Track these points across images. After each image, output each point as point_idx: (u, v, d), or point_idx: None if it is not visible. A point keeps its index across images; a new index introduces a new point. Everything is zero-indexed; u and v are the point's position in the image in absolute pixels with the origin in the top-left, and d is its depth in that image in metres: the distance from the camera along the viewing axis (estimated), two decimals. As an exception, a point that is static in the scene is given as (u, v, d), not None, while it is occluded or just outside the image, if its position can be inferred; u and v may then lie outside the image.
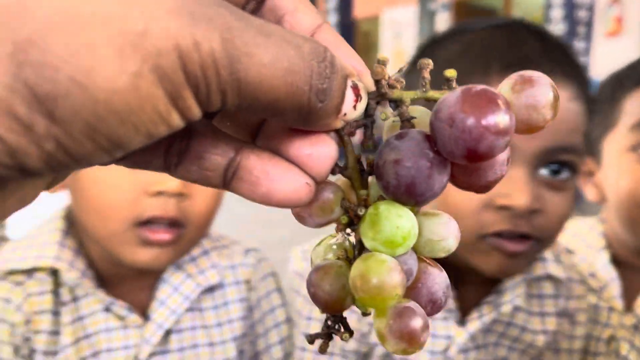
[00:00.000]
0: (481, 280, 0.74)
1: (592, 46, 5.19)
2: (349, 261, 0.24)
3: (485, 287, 0.77)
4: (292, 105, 0.20)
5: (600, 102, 0.90)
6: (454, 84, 0.23)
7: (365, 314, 0.24)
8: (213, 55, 0.18)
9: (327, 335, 0.24)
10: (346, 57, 0.23)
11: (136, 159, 0.22)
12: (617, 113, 0.88)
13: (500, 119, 0.21)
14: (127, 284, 0.73)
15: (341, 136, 0.23)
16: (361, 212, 0.24)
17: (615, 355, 0.86)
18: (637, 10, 5.20)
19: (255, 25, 0.19)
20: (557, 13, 5.16)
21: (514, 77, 0.23)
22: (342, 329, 0.25)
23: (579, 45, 5.06)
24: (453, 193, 0.68)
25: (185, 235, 0.68)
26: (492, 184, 0.24)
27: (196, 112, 0.19)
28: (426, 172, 0.22)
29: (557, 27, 5.04)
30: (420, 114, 0.24)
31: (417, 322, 0.23)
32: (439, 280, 0.25)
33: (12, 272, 0.69)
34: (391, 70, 0.24)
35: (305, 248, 0.84)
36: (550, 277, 0.80)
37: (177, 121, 0.19)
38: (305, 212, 0.24)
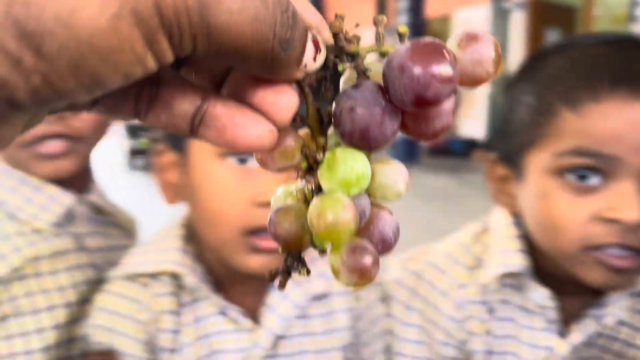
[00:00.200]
0: (584, 291, 0.74)
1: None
2: (308, 204, 0.26)
3: (588, 299, 0.76)
4: (257, 51, 0.22)
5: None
6: (405, 39, 0.25)
7: (322, 252, 0.26)
8: (186, 2, 0.20)
9: (286, 272, 0.27)
10: (306, 11, 0.25)
11: (109, 104, 0.25)
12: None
13: (446, 67, 0.23)
14: (239, 289, 0.77)
15: (302, 87, 0.26)
16: (320, 157, 0.26)
17: None
18: None
19: None
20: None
21: (459, 34, 0.25)
22: (300, 267, 0.27)
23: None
24: (559, 205, 0.69)
25: None
26: (440, 132, 0.26)
27: (169, 55, 0.21)
28: (379, 119, 0.25)
29: None
30: (375, 68, 0.26)
31: (368, 258, 0.25)
32: (389, 222, 0.27)
33: (139, 275, 0.75)
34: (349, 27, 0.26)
35: (403, 256, 0.87)
36: None
37: (151, 63, 0.21)
38: (267, 157, 0.26)
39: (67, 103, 0.21)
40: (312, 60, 0.24)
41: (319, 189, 0.26)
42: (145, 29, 0.20)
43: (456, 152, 8.29)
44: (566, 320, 0.77)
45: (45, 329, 0.75)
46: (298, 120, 0.26)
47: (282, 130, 0.25)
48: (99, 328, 0.74)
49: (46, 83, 0.20)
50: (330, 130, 0.27)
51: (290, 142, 0.26)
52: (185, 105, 0.25)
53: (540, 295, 0.76)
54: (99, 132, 0.79)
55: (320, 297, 0.79)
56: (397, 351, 0.82)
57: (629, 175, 0.67)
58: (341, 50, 0.26)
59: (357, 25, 0.26)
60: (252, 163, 0.69)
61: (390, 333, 0.83)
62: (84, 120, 0.76)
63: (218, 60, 0.25)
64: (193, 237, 0.77)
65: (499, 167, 0.79)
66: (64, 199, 0.79)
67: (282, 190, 0.28)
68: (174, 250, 0.75)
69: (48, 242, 0.77)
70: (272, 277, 0.27)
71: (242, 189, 0.70)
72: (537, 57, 0.79)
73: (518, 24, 7.97)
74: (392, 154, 7.38)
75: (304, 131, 0.27)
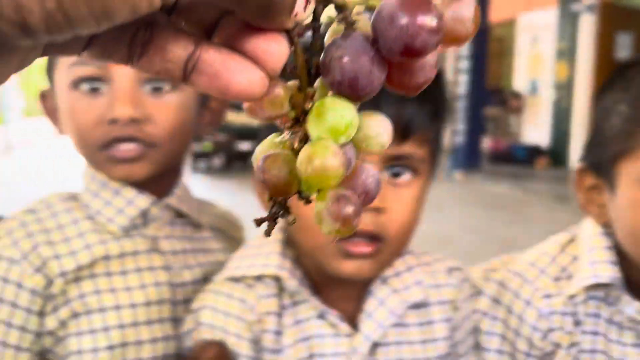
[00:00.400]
0: None
1: None
2: (295, 153, 0.27)
3: None
4: None
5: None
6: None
7: (308, 201, 0.27)
8: None
9: (272, 219, 0.27)
10: None
11: (102, 47, 0.26)
12: None
13: (433, 19, 0.24)
14: (335, 293, 0.79)
15: (291, 37, 0.26)
16: (308, 106, 0.27)
17: None
18: None
19: None
20: None
21: None
22: (285, 214, 0.28)
23: None
24: None
25: (384, 248, 0.73)
26: (422, 85, 0.27)
27: None
28: (367, 68, 0.25)
29: None
30: (362, 21, 0.27)
31: (351, 207, 0.26)
32: (372, 174, 0.28)
33: (244, 277, 0.78)
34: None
35: (486, 267, 0.87)
36: None
37: (157, 1, 0.22)
38: (257, 105, 0.27)
39: (71, 35, 0.22)
40: (302, 10, 0.25)
41: (306, 139, 0.27)
42: None
43: (519, 159, 8.12)
44: None
45: (111, 327, 0.77)
46: (288, 68, 0.27)
47: (271, 80, 0.26)
48: (208, 326, 0.76)
49: (60, 9, 0.20)
50: (317, 83, 0.28)
51: (279, 91, 0.27)
52: (178, 51, 0.25)
53: (633, 308, 0.73)
54: (174, 140, 0.81)
55: (418, 306, 0.79)
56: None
57: None
58: (329, 1, 0.26)
59: (345, -23, 0.27)
60: None
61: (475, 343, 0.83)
62: (158, 126, 0.79)
63: (218, 2, 0.25)
64: (291, 242, 0.79)
65: (588, 177, 0.78)
66: (140, 201, 0.81)
67: (267, 141, 0.29)
68: (275, 254, 0.77)
69: (118, 243, 0.80)
70: (258, 223, 0.27)
71: None
72: (630, 65, 0.78)
73: (587, 27, 7.72)
74: (453, 160, 7.29)
75: (291, 83, 0.28)
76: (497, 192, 6.48)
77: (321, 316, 0.76)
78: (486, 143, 8.24)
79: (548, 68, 8.53)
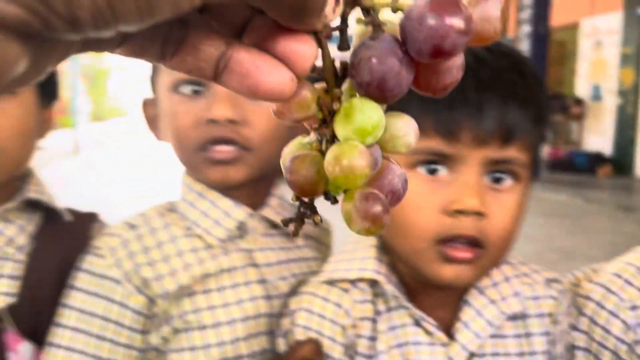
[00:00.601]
0: None
1: None
2: (323, 154, 0.27)
3: None
4: None
5: None
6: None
7: (335, 200, 0.27)
8: None
9: (300, 219, 0.28)
10: None
11: (137, 44, 0.26)
12: None
13: (463, 19, 0.24)
14: (430, 301, 0.78)
15: (319, 38, 0.27)
16: (335, 107, 0.27)
17: None
18: None
19: None
20: None
21: None
22: (312, 215, 0.28)
23: None
24: None
25: (484, 255, 0.72)
26: (449, 87, 0.27)
27: None
28: (396, 69, 0.26)
29: None
30: (390, 23, 0.27)
31: (380, 206, 0.26)
32: (399, 174, 0.28)
33: (339, 281, 0.79)
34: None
35: (569, 281, 0.85)
36: None
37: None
38: (285, 108, 0.27)
39: (114, 32, 0.22)
40: (331, 12, 0.25)
41: (333, 139, 0.27)
42: None
43: (580, 167, 7.89)
44: None
45: (211, 345, 0.78)
46: (316, 70, 0.27)
47: (299, 82, 0.26)
48: (303, 328, 0.76)
49: (109, 4, 0.20)
50: (344, 85, 0.28)
51: (306, 92, 0.27)
52: (211, 50, 0.26)
53: None
54: (270, 145, 0.81)
55: (515, 318, 0.78)
56: None
57: None
58: (357, 3, 0.26)
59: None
60: (442, 173, 0.70)
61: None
62: (254, 129, 0.79)
63: (251, 1, 0.25)
64: (386, 248, 0.79)
65: None
66: (237, 213, 0.81)
67: (295, 142, 0.29)
68: (371, 259, 0.77)
69: (216, 260, 0.81)
70: (286, 223, 0.28)
71: (433, 198, 0.70)
72: None
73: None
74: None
75: (319, 85, 0.28)
76: (556, 201, 6.32)
77: (417, 323, 0.75)
78: (545, 150, 8.04)
79: (612, 73, 8.27)
